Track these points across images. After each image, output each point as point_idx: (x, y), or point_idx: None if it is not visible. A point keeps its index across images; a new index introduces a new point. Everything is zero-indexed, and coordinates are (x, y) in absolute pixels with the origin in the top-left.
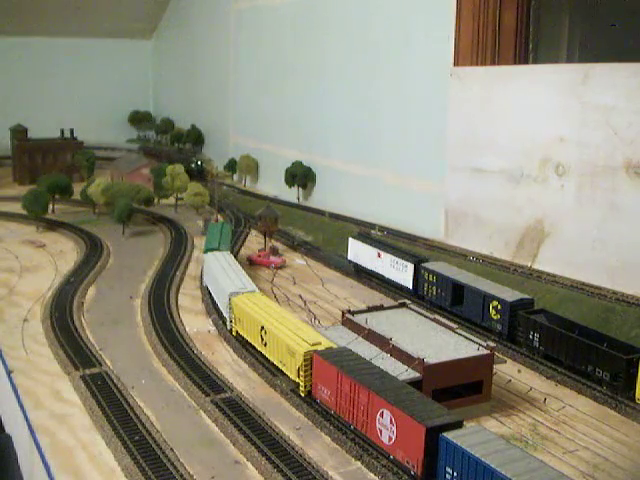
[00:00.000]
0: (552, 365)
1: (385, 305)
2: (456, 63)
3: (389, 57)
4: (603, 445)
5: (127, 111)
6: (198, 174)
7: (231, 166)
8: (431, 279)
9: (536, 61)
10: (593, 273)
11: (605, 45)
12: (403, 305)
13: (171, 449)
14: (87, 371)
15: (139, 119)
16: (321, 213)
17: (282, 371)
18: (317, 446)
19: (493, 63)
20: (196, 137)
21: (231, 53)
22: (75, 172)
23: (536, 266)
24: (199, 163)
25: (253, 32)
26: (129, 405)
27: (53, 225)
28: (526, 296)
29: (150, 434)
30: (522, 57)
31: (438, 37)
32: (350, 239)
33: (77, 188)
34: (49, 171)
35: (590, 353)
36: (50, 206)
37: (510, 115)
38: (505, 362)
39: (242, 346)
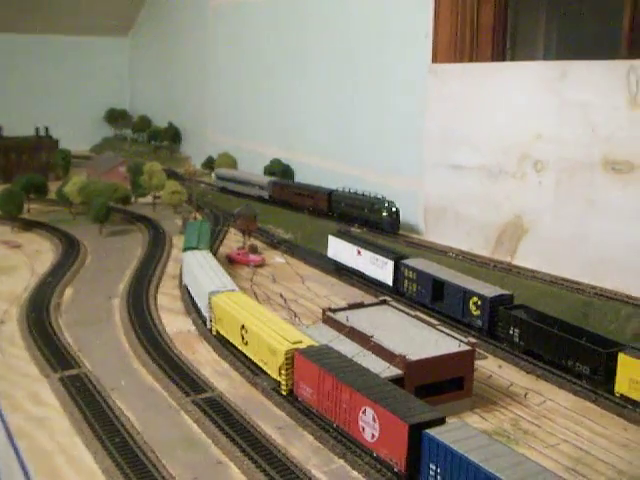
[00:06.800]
0: (532, 360)
1: (366, 302)
2: (434, 60)
3: (368, 54)
4: (584, 438)
5: (103, 109)
6: (390, 228)
7: (209, 164)
8: (411, 276)
9: (514, 58)
10: (572, 268)
11: (582, 42)
12: (384, 302)
13: (152, 450)
14: (65, 373)
15: (115, 117)
16: (300, 210)
17: (263, 370)
18: (300, 445)
19: (471, 60)
20: (173, 135)
21: (209, 50)
22: (51, 171)
23: (515, 262)
24: (394, 209)
25: (231, 28)
26: (109, 407)
27: (29, 225)
28: (506, 292)
29: (131, 436)
30: (500, 54)
31: (416, 34)
32: (330, 237)
33: (53, 187)
34: (24, 170)
35: (570, 347)
36: (25, 206)
37: (488, 112)
38: (486, 358)
39: (223, 345)
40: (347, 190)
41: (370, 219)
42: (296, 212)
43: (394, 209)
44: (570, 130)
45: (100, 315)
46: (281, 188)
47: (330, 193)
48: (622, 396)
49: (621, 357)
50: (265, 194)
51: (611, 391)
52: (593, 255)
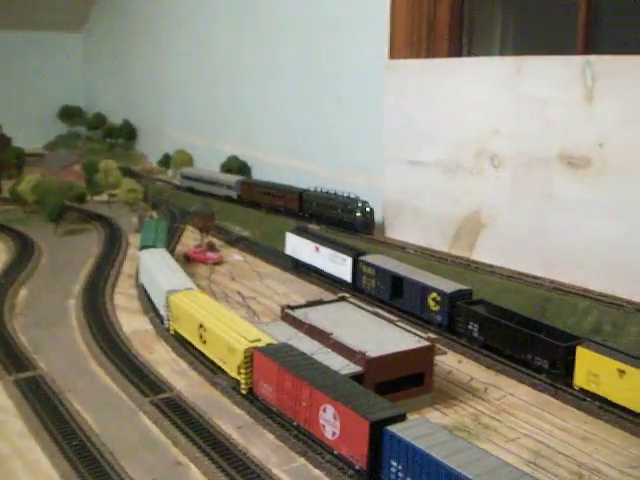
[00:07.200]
0: (492, 355)
1: (325, 299)
2: (391, 56)
3: (324, 50)
4: (544, 432)
5: (57, 106)
6: (365, 228)
7: (165, 161)
8: (370, 272)
9: (470, 54)
10: (530, 263)
11: (538, 37)
12: (343, 299)
13: (110, 453)
14: (20, 375)
15: (70, 114)
16: (257, 207)
17: (222, 369)
18: (260, 444)
19: (428, 56)
20: (128, 132)
21: (165, 46)
22: (3, 170)
23: (473, 257)
24: (368, 209)
25: (188, 24)
26: (66, 409)
27: None
28: (464, 287)
29: (88, 438)
30: (457, 50)
31: (373, 30)
32: (287, 233)
33: (6, 186)
34: None
35: (529, 342)
36: None
37: (445, 108)
38: (446, 353)
39: (181, 345)
40: (319, 189)
41: (343, 219)
42: (256, 209)
43: (368, 209)
44: (527, 125)
45: (56, 316)
46: (249, 187)
47: (301, 193)
48: (581, 389)
49: (579, 351)
50: (233, 194)
51: (570, 384)
52: (551, 249)
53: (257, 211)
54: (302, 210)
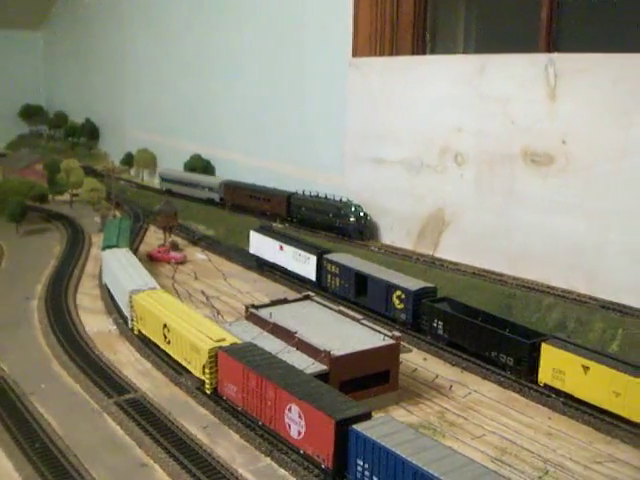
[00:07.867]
0: (457, 352)
1: (289, 298)
2: (355, 54)
3: (286, 48)
4: (509, 429)
5: (18, 105)
6: (359, 235)
7: (128, 160)
8: (334, 270)
9: (434, 52)
10: (494, 260)
11: (501, 35)
12: (307, 298)
13: (74, 455)
14: None
15: (31, 113)
16: (222, 206)
17: (187, 369)
18: (225, 444)
19: (391, 54)
20: (91, 131)
21: (126, 44)
22: None
23: (438, 254)
24: (362, 214)
25: (150, 23)
26: (29, 412)
27: None
28: (429, 285)
29: (52, 441)
30: (420, 48)
31: (336, 27)
32: (251, 232)
33: None
34: None
35: (494, 339)
36: None
37: (409, 105)
38: (411, 351)
39: (145, 345)
40: (308, 192)
41: (335, 225)
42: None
43: (362, 213)
44: (490, 123)
45: (18, 317)
46: (233, 190)
47: (289, 196)
48: (546, 385)
49: (544, 347)
50: (216, 196)
51: (535, 381)
52: (514, 246)
53: (219, 210)
54: (290, 214)
